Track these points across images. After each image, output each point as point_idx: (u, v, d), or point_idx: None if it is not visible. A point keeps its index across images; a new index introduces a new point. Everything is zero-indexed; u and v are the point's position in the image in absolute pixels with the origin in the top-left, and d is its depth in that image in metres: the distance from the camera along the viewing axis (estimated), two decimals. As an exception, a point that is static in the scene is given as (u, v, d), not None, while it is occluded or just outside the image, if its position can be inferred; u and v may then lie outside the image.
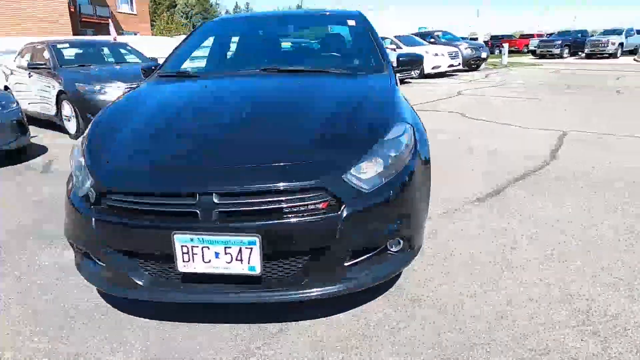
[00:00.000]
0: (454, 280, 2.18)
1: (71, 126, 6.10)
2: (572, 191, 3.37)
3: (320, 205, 1.62)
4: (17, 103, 5.11)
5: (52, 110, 6.40)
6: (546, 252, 2.43)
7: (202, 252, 1.60)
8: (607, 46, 24.17)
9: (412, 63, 2.82)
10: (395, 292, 2.09)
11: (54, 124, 6.58)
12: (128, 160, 1.78)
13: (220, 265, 1.62)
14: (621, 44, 24.57)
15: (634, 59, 22.85)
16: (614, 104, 7.79)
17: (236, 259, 1.60)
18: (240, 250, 1.58)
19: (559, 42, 25.75)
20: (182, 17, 43.66)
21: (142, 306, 1.99)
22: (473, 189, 3.44)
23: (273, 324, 1.90)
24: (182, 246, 1.59)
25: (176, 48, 3.06)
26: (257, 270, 1.61)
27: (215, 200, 1.57)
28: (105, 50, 7.87)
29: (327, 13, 3.31)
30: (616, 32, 25.33)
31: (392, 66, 2.68)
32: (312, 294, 1.69)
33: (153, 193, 1.63)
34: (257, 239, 1.56)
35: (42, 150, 5.53)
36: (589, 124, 5.87)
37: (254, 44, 3.18)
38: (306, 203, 1.61)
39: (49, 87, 6.38)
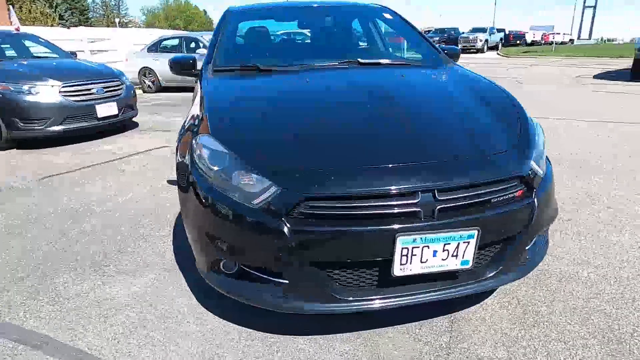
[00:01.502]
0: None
1: (-10, 135, 5.03)
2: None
3: (517, 194, 1.67)
4: None
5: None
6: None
7: (422, 252, 1.53)
8: (476, 42, 27.70)
9: None
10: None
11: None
12: (312, 163, 1.60)
13: (436, 264, 1.57)
14: (486, 40, 28.37)
15: (497, 53, 26.60)
16: (522, 92, 9.02)
17: (452, 255, 1.57)
18: (457, 245, 1.55)
19: (437, 38, 28.62)
20: (45, 5, 38.09)
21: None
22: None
23: (442, 316, 1.90)
24: (402, 248, 1.51)
25: (216, 39, 2.76)
26: (470, 264, 1.60)
27: (438, 197, 1.52)
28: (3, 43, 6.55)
29: (360, 5, 3.28)
30: (482, 30, 29.11)
31: None
32: (505, 280, 1.74)
33: (369, 195, 1.50)
34: (475, 232, 1.54)
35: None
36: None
37: (298, 36, 3.00)
38: (509, 192, 1.64)
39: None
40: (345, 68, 2.49)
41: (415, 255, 1.53)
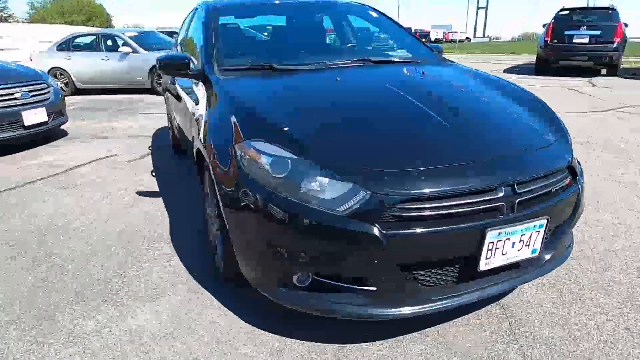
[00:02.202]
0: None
1: None
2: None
3: (566, 182, 1.79)
4: None
5: None
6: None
7: (504, 245, 1.57)
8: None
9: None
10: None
11: None
12: (392, 164, 1.54)
13: (513, 255, 1.62)
14: (396, 39, 30.00)
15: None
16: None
17: (525, 245, 1.63)
18: (530, 235, 1.62)
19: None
20: None
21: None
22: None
23: (492, 304, 1.97)
24: (489, 243, 1.53)
25: (207, 36, 2.55)
26: (537, 252, 1.68)
27: (517, 190, 1.57)
28: None
29: (345, 3, 3.23)
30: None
31: None
32: (557, 264, 1.85)
33: (457, 194, 1.49)
34: (545, 222, 1.63)
35: None
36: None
37: (292, 33, 2.87)
38: (564, 180, 1.75)
39: None
40: (362, 66, 2.45)
41: (498, 248, 1.57)
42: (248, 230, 1.67)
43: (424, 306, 1.57)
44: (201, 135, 2.10)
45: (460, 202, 1.50)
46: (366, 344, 1.75)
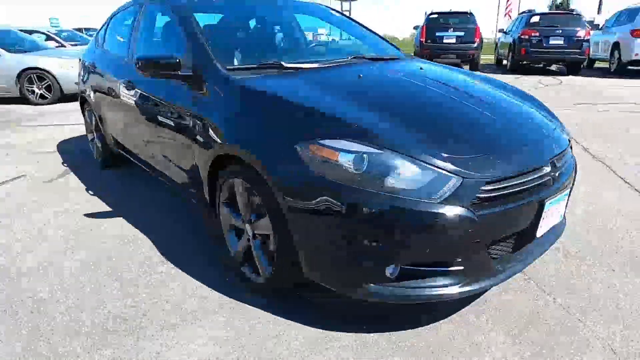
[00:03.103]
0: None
1: None
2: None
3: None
4: None
5: None
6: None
7: (549, 213, 1.81)
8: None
9: None
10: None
11: None
12: (464, 150, 1.64)
13: (552, 222, 1.88)
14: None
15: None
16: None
17: (558, 212, 1.90)
18: (561, 203, 1.90)
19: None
20: None
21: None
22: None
23: (517, 275, 2.23)
24: (544, 212, 1.75)
25: (196, 33, 2.34)
26: (561, 218, 1.97)
27: (557, 164, 1.81)
28: None
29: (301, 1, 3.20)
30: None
31: None
32: (564, 228, 2.18)
33: (523, 172, 1.67)
34: (569, 190, 1.92)
35: None
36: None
37: (267, 32, 2.76)
38: (572, 155, 2.09)
39: None
40: (366, 63, 2.51)
41: (547, 217, 1.80)
42: (328, 233, 1.62)
43: (498, 277, 1.72)
44: (218, 140, 1.97)
45: (526, 179, 1.68)
46: (435, 322, 1.84)
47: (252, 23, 2.90)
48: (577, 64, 10.85)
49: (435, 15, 12.00)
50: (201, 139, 2.14)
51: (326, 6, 3.26)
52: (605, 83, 9.44)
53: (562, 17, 11.28)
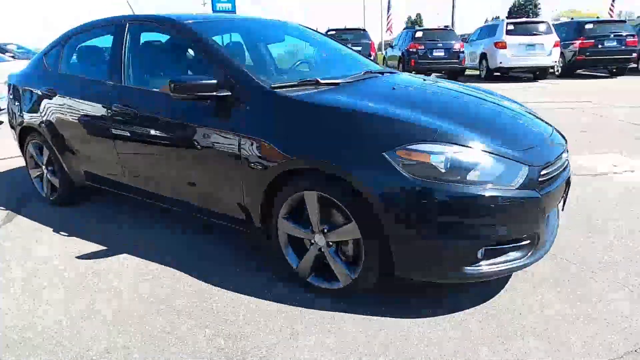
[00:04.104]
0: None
1: None
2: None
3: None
4: None
5: None
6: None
7: (568, 193, 2.25)
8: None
9: None
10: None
11: None
12: (515, 144, 1.97)
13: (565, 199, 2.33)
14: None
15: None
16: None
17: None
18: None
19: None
20: None
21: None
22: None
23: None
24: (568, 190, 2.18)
25: (223, 52, 2.33)
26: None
27: (567, 154, 2.26)
28: None
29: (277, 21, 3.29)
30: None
31: None
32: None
33: (555, 159, 2.05)
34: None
35: None
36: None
37: (284, 51, 2.81)
38: None
39: None
40: (379, 76, 2.74)
41: (565, 195, 2.24)
42: (425, 228, 1.81)
43: (546, 247, 2.08)
44: (281, 156, 2.05)
45: (558, 164, 2.08)
46: (500, 291, 2.14)
47: (261, 43, 2.94)
48: (456, 72, 12.54)
49: (333, 32, 12.83)
50: (252, 158, 2.15)
51: (305, 26, 3.42)
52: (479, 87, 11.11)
53: (440, 32, 12.99)
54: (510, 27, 11.80)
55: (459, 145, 1.85)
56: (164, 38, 2.75)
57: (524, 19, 14.22)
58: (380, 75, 2.80)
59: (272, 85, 2.24)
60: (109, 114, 2.77)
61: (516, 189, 1.84)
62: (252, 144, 2.15)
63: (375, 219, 1.87)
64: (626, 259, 2.44)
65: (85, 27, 3.22)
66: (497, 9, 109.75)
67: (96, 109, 2.87)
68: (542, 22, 12.27)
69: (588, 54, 11.86)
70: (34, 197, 3.81)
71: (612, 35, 11.80)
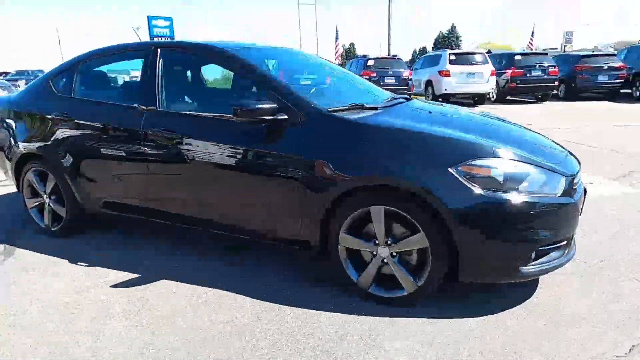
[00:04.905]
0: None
1: None
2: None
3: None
4: None
5: None
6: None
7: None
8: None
9: None
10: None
11: None
12: (552, 159, 2.29)
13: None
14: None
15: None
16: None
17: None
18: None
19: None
20: None
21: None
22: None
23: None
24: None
25: (273, 77, 2.48)
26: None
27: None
28: None
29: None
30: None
31: None
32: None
33: (575, 174, 2.38)
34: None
35: None
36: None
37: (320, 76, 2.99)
38: None
39: None
40: (403, 102, 2.98)
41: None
42: (490, 233, 2.05)
43: (574, 247, 2.40)
44: (345, 175, 2.22)
45: (579, 175, 2.43)
46: (542, 287, 2.42)
47: (299, 70, 3.11)
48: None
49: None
50: (313, 179, 2.29)
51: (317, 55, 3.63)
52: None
53: (390, 61, 13.83)
54: (453, 57, 12.90)
55: (510, 160, 2.13)
56: (200, 64, 2.80)
57: (464, 50, 15.57)
58: (404, 101, 3.07)
59: (329, 109, 2.41)
60: (143, 139, 2.75)
61: (558, 196, 2.15)
62: (313, 165, 2.28)
63: (443, 228, 2.08)
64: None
65: (103, 52, 3.17)
66: (424, 41, 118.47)
67: (125, 134, 2.84)
68: (479, 53, 13.53)
69: (519, 82, 13.25)
70: (25, 228, 3.58)
71: (537, 66, 13.32)
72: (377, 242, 2.26)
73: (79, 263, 2.97)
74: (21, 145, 3.36)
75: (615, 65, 13.44)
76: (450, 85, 12.56)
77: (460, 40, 65.20)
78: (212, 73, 2.88)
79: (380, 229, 2.23)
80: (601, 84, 13.48)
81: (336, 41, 25.66)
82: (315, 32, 28.49)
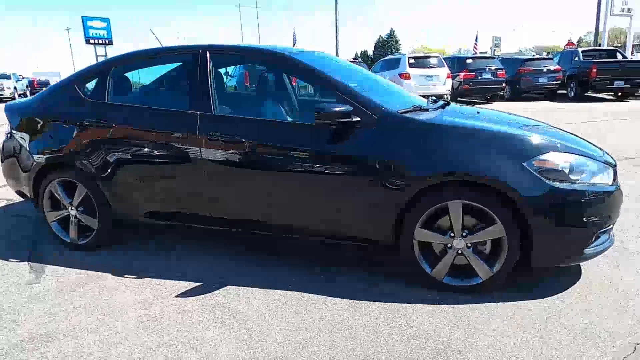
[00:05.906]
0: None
1: None
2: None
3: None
4: None
5: None
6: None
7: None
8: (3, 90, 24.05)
9: None
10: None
11: None
12: (594, 152, 2.55)
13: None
14: (15, 88, 25.24)
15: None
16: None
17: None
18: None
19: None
20: None
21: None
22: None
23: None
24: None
25: (332, 81, 2.57)
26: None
27: None
28: None
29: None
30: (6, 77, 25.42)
31: None
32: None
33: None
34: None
35: None
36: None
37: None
38: None
39: None
40: (446, 103, 3.16)
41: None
42: (561, 220, 2.28)
43: (612, 232, 2.71)
44: (424, 172, 2.37)
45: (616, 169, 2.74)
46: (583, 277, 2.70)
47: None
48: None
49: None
50: (389, 178, 2.40)
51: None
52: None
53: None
54: (412, 60, 13.49)
55: (570, 153, 2.38)
56: (257, 68, 2.81)
57: (421, 54, 16.27)
58: (446, 103, 3.26)
59: (399, 111, 2.53)
60: (200, 145, 2.70)
61: (611, 185, 2.44)
62: (390, 166, 2.40)
63: (519, 218, 2.28)
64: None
65: (142, 55, 3.06)
66: (364, 44, 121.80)
67: (177, 141, 2.76)
68: (436, 56, 14.25)
69: (471, 84, 14.13)
70: (43, 243, 3.35)
71: (487, 69, 14.27)
72: (452, 234, 2.42)
73: (125, 275, 2.84)
74: (41, 155, 3.14)
75: (552, 68, 14.75)
76: (410, 87, 13.07)
77: (400, 44, 67.84)
78: (269, 77, 2.88)
79: (458, 222, 2.39)
80: (542, 85, 14.73)
81: (294, 45, 25.84)
82: (257, 35, 28.23)
